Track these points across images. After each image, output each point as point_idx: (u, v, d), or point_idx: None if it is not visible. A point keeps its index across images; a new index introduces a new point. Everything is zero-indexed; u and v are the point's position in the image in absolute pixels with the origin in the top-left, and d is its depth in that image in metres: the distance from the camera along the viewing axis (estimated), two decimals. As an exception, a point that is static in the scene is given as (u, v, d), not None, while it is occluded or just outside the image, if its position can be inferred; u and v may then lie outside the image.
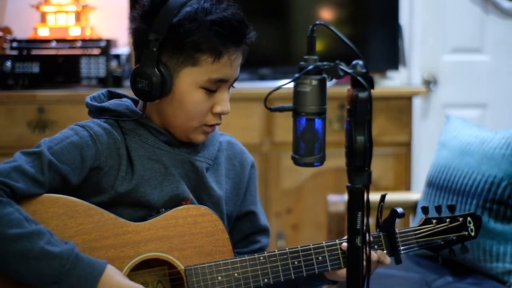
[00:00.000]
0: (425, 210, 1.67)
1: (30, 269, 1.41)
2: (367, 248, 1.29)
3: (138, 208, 1.56)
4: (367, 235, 1.28)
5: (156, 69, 1.52)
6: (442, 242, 1.66)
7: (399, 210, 1.60)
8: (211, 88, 1.55)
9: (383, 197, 1.54)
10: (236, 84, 1.63)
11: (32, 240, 1.41)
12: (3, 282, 1.45)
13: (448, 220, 1.67)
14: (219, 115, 1.58)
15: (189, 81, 1.54)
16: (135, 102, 1.66)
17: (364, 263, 1.31)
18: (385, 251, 1.62)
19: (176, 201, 1.58)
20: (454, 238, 1.67)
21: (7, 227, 1.41)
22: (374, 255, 1.59)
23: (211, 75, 1.54)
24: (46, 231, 1.44)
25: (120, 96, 1.69)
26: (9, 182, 1.44)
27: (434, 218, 1.67)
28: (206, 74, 1.54)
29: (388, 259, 1.61)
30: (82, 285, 1.42)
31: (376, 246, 1.61)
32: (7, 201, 1.43)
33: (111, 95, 1.70)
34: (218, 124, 1.61)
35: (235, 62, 1.55)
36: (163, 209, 1.57)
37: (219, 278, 1.53)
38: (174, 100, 1.56)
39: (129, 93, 1.64)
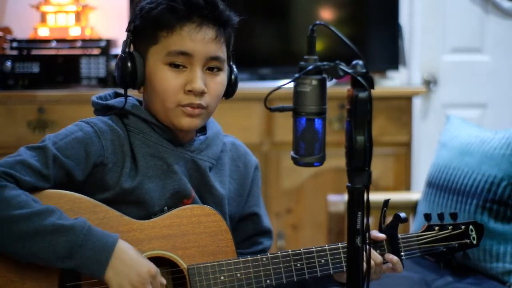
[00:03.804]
0: (427, 217, 1.67)
1: (43, 245, 1.42)
2: (367, 248, 1.29)
3: (142, 205, 1.56)
4: (367, 235, 1.28)
5: (127, 55, 1.57)
6: (444, 249, 1.67)
7: (402, 215, 1.61)
8: (175, 62, 1.56)
9: (386, 202, 1.54)
10: (236, 84, 1.63)
11: (43, 217, 1.42)
12: (9, 269, 1.46)
13: (450, 227, 1.68)
14: (193, 94, 1.56)
15: (154, 60, 1.57)
16: (141, 102, 1.67)
17: (365, 263, 1.30)
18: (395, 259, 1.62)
19: (178, 198, 1.59)
20: (456, 245, 1.68)
21: (17, 208, 1.42)
22: (379, 257, 1.59)
23: (169, 48, 1.55)
24: (55, 208, 1.45)
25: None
26: (13, 173, 1.45)
27: (437, 225, 1.68)
28: (165, 48, 1.56)
29: (400, 267, 1.62)
30: (96, 256, 1.43)
31: (378, 251, 1.61)
32: (12, 185, 1.44)
33: (117, 96, 1.71)
34: (197, 105, 1.56)
35: (197, 36, 1.55)
36: (166, 208, 1.58)
37: (222, 278, 1.54)
38: (148, 84, 1.59)
39: (134, 94, 1.65)
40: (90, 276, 1.45)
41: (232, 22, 1.60)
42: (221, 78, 1.60)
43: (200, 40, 1.56)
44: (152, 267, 1.47)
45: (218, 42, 1.57)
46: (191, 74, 1.56)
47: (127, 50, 1.57)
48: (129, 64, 1.57)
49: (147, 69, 1.58)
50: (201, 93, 1.56)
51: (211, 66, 1.58)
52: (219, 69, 1.59)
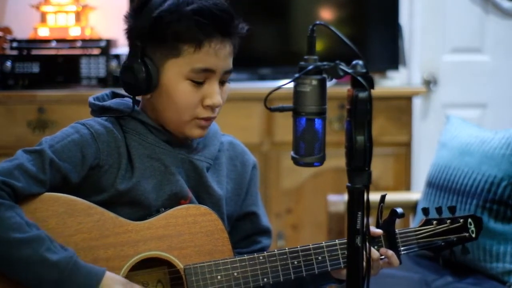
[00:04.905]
0: (425, 211, 1.67)
1: (29, 275, 1.42)
2: (367, 248, 1.29)
3: (138, 207, 1.56)
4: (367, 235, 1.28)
5: (141, 62, 1.53)
6: (442, 243, 1.66)
7: (399, 210, 1.60)
8: (198, 79, 1.55)
9: (383, 197, 1.54)
10: (236, 84, 1.63)
11: (32, 246, 1.41)
12: (3, 282, 1.46)
13: (448, 221, 1.67)
14: (210, 108, 1.57)
15: (174, 73, 1.54)
16: (138, 103, 1.66)
17: (364, 263, 1.30)
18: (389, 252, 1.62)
19: (175, 200, 1.58)
20: (455, 239, 1.67)
21: (8, 231, 1.41)
22: (376, 253, 1.59)
23: (194, 65, 1.53)
24: (46, 237, 1.44)
25: (123, 96, 1.69)
26: (10, 182, 1.45)
27: (435, 219, 1.67)
28: (189, 64, 1.53)
29: (396, 261, 1.61)
30: None
31: (376, 247, 1.61)
32: (9, 204, 1.43)
33: (115, 96, 1.70)
34: (211, 118, 1.59)
35: (220, 52, 1.54)
36: (163, 208, 1.57)
37: (219, 277, 1.53)
38: (163, 94, 1.56)
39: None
40: None
41: (243, 33, 1.59)
42: (228, 87, 1.61)
43: (223, 56, 1.55)
44: None
45: (231, 55, 1.58)
46: (210, 88, 1.55)
47: (139, 57, 1.53)
48: (143, 74, 1.53)
49: (162, 79, 1.55)
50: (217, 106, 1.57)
51: (223, 79, 1.59)
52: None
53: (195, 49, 1.52)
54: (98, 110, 1.63)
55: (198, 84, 1.55)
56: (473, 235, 1.68)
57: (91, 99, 1.65)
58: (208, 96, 1.56)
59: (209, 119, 1.59)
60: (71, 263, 1.43)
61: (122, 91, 1.71)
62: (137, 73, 1.53)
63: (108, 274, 1.46)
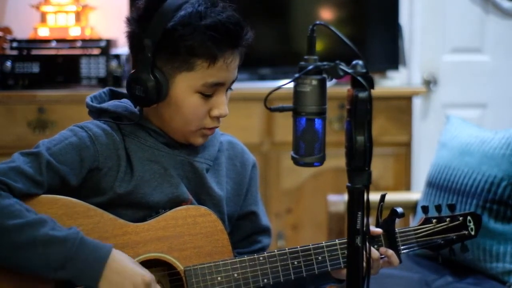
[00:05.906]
0: (425, 209, 1.67)
1: (35, 256, 1.41)
2: (367, 248, 1.29)
3: (138, 209, 1.56)
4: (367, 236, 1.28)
5: (151, 75, 1.51)
6: (442, 242, 1.67)
7: (399, 210, 1.61)
8: (208, 92, 1.54)
9: (383, 196, 1.54)
10: (236, 84, 1.62)
11: (35, 227, 1.41)
12: (4, 281, 1.45)
13: (448, 219, 1.67)
14: (217, 118, 1.58)
15: (185, 86, 1.54)
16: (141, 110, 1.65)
17: (365, 263, 1.30)
18: (389, 252, 1.62)
19: (175, 203, 1.58)
20: (454, 237, 1.67)
21: (9, 218, 1.41)
22: (376, 252, 1.59)
23: (207, 79, 1.53)
24: (48, 218, 1.44)
25: (121, 95, 1.69)
26: (7, 181, 1.45)
27: (434, 218, 1.67)
28: (202, 78, 1.53)
29: (396, 260, 1.61)
30: (89, 268, 1.42)
31: (376, 246, 1.61)
32: (6, 194, 1.43)
33: (113, 94, 1.69)
34: (216, 127, 1.60)
35: (231, 65, 1.54)
36: (163, 210, 1.57)
37: (219, 278, 1.53)
38: (171, 105, 1.55)
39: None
40: (85, 287, 1.44)
41: (250, 41, 1.58)
42: (230, 94, 1.62)
43: (233, 69, 1.56)
44: (147, 276, 1.46)
45: (239, 64, 1.58)
46: (218, 99, 1.56)
47: (149, 69, 1.51)
48: (154, 87, 1.51)
49: (172, 91, 1.54)
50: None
51: (229, 87, 1.59)
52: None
53: (209, 64, 1.52)
54: (95, 112, 1.62)
55: (207, 96, 1.55)
56: (473, 233, 1.68)
57: (88, 99, 1.64)
58: (216, 107, 1.56)
59: (214, 129, 1.59)
60: (78, 239, 1.43)
61: (119, 89, 1.71)
62: (148, 86, 1.51)
63: (115, 250, 1.46)
